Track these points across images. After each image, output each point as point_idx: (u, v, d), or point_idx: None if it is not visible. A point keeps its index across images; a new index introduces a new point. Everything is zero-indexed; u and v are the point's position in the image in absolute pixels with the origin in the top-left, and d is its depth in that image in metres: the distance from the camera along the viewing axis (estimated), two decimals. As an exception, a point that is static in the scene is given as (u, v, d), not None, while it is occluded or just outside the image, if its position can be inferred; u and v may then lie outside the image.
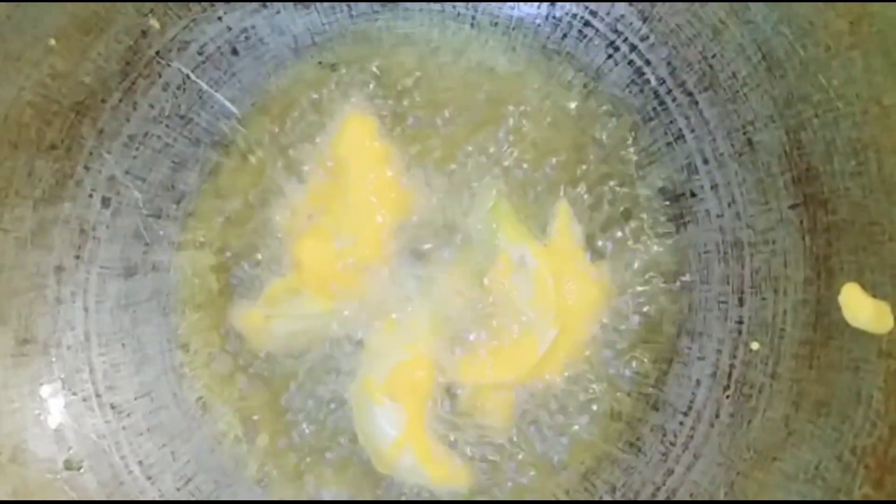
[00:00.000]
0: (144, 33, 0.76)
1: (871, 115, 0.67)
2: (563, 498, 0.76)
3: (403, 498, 0.75)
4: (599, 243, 0.78)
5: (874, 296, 0.67)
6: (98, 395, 0.75)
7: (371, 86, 0.80)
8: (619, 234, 0.78)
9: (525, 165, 0.79)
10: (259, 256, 0.78)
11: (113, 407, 0.76)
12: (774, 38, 0.71)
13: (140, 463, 0.75)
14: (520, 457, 0.76)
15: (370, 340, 0.76)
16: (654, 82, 0.78)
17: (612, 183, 0.79)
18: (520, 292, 0.75)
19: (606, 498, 0.75)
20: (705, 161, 0.76)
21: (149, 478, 0.75)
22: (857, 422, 0.66)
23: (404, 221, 0.77)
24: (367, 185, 0.77)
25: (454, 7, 0.81)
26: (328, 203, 0.78)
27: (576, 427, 0.76)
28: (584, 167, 0.79)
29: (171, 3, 0.77)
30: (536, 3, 0.80)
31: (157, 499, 0.75)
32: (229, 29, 0.79)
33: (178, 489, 0.75)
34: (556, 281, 0.75)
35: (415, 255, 0.77)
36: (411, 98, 0.80)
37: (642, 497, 0.75)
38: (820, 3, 0.68)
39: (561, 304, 0.75)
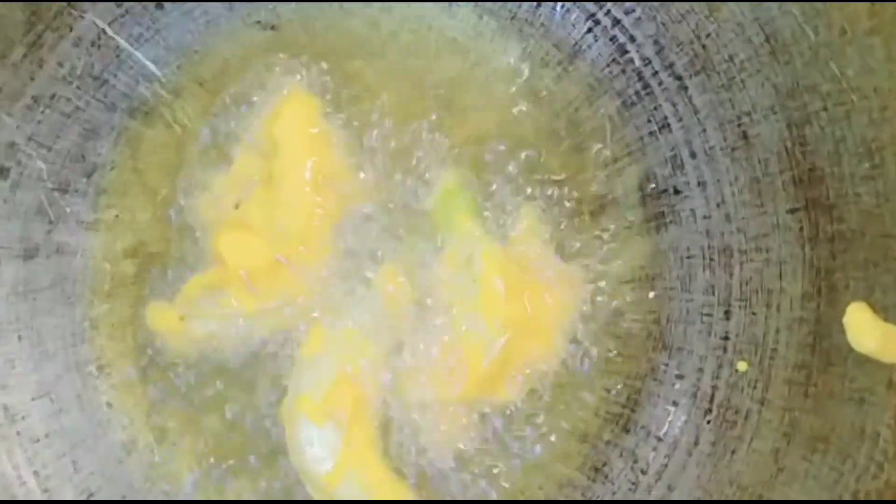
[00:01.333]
0: (54, -21, 0.74)
1: (891, 112, 0.63)
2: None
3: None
4: (568, 243, 0.75)
5: (885, 319, 0.64)
6: None
7: (316, 59, 0.77)
8: (591, 232, 0.75)
9: (487, 154, 0.75)
10: (174, 249, 0.76)
11: (6, 408, 0.73)
12: (781, 18, 0.67)
13: (36, 473, 0.72)
14: (469, 481, 0.73)
15: (303, 351, 0.73)
16: (638, 62, 0.75)
17: (585, 175, 0.76)
18: (463, 296, 0.72)
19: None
20: (693, 154, 0.74)
21: (45, 490, 0.73)
22: (859, 462, 0.63)
23: (345, 213, 0.75)
24: (305, 172, 0.74)
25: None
26: (258, 190, 0.74)
27: (534, 448, 0.73)
28: (555, 156, 0.76)
29: (85, -55, 0.74)
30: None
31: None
32: (154, -22, 0.77)
33: (78, 504, 0.73)
34: (512, 285, 0.72)
35: (354, 253, 0.74)
36: (360, 71, 0.78)
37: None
38: (837, -20, 0.66)
39: (517, 311, 0.72)
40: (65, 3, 0.73)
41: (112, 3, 0.74)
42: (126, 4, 0.74)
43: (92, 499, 0.72)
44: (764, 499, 0.67)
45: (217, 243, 0.73)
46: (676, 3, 0.72)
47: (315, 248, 0.73)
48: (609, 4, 0.75)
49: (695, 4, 0.71)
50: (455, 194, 0.74)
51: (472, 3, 0.77)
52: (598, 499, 0.74)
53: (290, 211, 0.73)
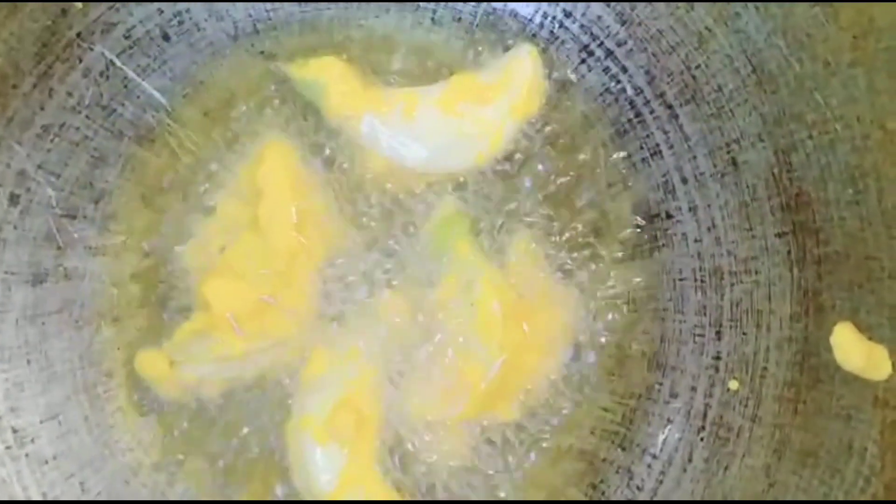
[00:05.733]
0: (64, 12, 0.73)
1: (872, 140, 0.65)
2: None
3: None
4: (563, 266, 0.75)
5: (870, 338, 0.65)
6: None
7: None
8: (585, 256, 0.76)
9: (481, 180, 0.76)
10: (170, 295, 0.76)
11: (15, 431, 0.72)
12: (767, 50, 0.69)
13: (44, 495, 0.72)
14: (469, 498, 0.73)
15: (306, 373, 0.73)
16: (630, 92, 0.76)
17: (579, 201, 0.76)
18: (462, 319, 0.72)
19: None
20: (684, 180, 0.74)
21: None
22: (847, 476, 0.64)
23: (334, 249, 0.75)
24: (289, 215, 0.73)
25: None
26: (243, 235, 0.74)
27: (532, 465, 0.74)
28: (550, 182, 0.76)
29: (94, -21, 0.74)
30: (503, 2, 0.78)
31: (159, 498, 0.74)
32: (161, 12, 0.76)
33: (87, 525, 0.72)
34: (510, 308, 0.72)
35: (347, 284, 0.74)
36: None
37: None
38: (820, 16, 0.66)
39: (514, 333, 0.72)
40: (75, 35, 0.73)
41: (120, 35, 0.74)
42: (134, 37, 0.75)
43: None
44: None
45: (203, 289, 0.73)
46: (667, 37, 0.73)
47: (302, 287, 0.73)
48: (602, 37, 0.75)
49: (685, 37, 0.72)
50: (454, 219, 0.74)
51: (469, 34, 0.78)
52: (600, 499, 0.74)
53: (275, 253, 0.73)
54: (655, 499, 0.73)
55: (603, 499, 0.73)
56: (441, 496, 0.72)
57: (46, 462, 0.72)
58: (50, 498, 0.71)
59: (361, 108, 0.74)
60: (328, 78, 0.74)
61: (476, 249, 0.74)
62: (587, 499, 0.74)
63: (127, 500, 0.73)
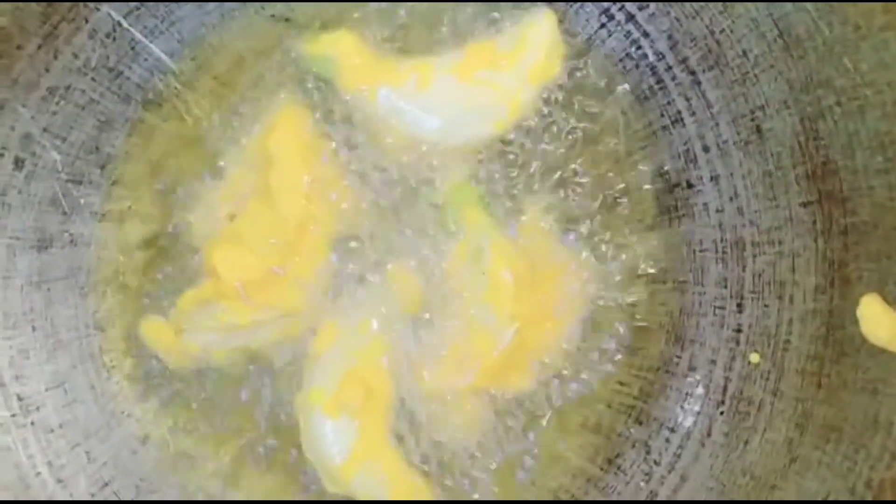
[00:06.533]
0: (70, -29, 0.73)
1: None
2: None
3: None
4: (580, 235, 0.75)
5: None
6: (3, 385, 0.71)
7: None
8: (603, 225, 0.75)
9: (494, 148, 0.75)
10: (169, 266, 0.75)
11: (20, 399, 0.72)
12: (794, 14, 0.67)
13: (49, 464, 0.72)
14: (482, 472, 0.72)
15: (314, 345, 0.73)
16: (651, 57, 0.75)
17: (598, 169, 0.75)
18: (472, 288, 0.72)
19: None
20: (706, 149, 0.74)
21: (59, 480, 0.71)
22: (873, 451, 0.63)
23: (345, 219, 0.74)
24: (300, 184, 0.73)
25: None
26: (252, 202, 0.74)
27: (546, 439, 0.73)
28: (566, 149, 0.76)
29: (101, -62, 0.73)
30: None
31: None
32: (170, -29, 0.77)
33: (93, 494, 0.72)
34: (521, 276, 0.71)
35: (356, 253, 0.74)
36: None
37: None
38: (851, -23, 0.65)
39: (526, 302, 0.71)
40: None
41: (128, -5, 0.74)
42: (141, -4, 0.75)
43: (106, 489, 0.72)
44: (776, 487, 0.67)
45: (211, 257, 0.73)
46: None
47: (312, 258, 0.73)
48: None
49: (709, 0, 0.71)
50: (464, 188, 0.74)
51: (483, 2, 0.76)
52: (600, 498, 0.74)
53: (285, 222, 0.72)
54: (662, 498, 0.72)
55: (618, 474, 0.73)
56: (451, 471, 0.72)
57: (52, 431, 0.72)
58: (55, 466, 0.71)
59: (375, 80, 0.73)
60: (340, 52, 0.74)
61: (486, 218, 0.73)
62: (603, 473, 0.73)
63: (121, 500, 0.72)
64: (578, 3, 0.76)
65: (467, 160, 0.74)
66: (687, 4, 0.72)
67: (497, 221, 0.74)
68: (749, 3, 0.69)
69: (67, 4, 0.72)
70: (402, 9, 0.76)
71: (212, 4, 0.76)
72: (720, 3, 0.70)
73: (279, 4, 0.76)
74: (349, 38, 0.74)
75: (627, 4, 0.75)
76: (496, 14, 0.75)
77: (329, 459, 0.70)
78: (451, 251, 0.73)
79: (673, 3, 0.73)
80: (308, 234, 0.72)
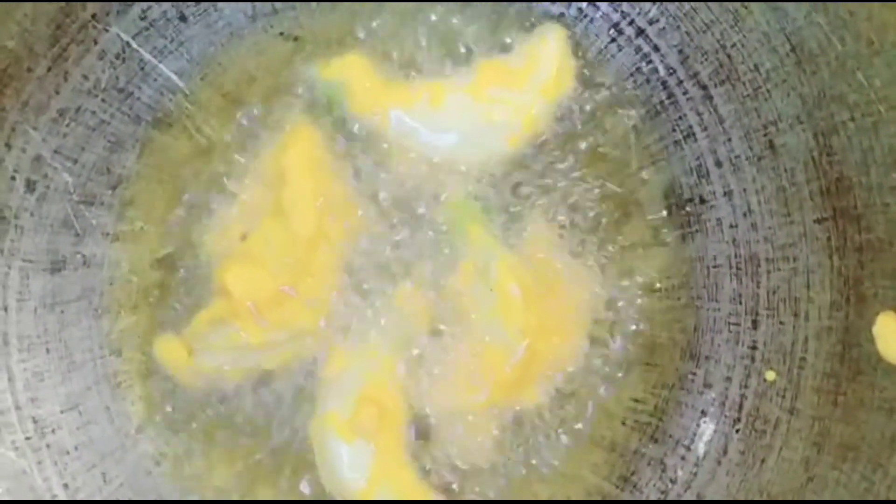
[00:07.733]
0: (79, -7, 0.73)
1: None
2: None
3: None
4: (591, 250, 0.75)
5: None
6: (18, 408, 0.71)
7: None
8: (615, 240, 0.75)
9: (509, 162, 0.75)
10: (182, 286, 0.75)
11: (35, 421, 0.72)
12: (807, 29, 0.67)
13: (66, 486, 0.72)
14: (497, 490, 0.72)
15: (326, 369, 0.73)
16: (662, 72, 0.75)
17: (609, 183, 0.75)
18: (481, 305, 0.72)
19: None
20: (718, 164, 0.73)
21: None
22: (891, 471, 0.63)
23: (353, 239, 0.74)
24: (312, 203, 0.73)
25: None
26: (265, 222, 0.74)
27: (561, 456, 0.73)
28: (578, 163, 0.75)
29: (108, -40, 0.73)
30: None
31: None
32: (177, -8, 0.77)
33: (108, 515, 0.72)
34: (529, 290, 0.71)
35: (368, 273, 0.74)
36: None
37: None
38: (864, -8, 0.65)
39: (535, 316, 0.71)
40: (89, 17, 0.72)
41: (136, 17, 0.74)
42: (150, 18, 0.74)
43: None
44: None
45: (223, 276, 0.72)
46: (701, 14, 0.72)
47: (323, 278, 0.73)
48: (633, 14, 0.74)
49: (719, 14, 0.70)
50: (466, 205, 0.74)
51: (495, 14, 0.76)
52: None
53: (297, 241, 0.72)
54: (689, 492, 0.72)
55: (633, 492, 0.73)
56: (468, 490, 0.72)
57: (68, 452, 0.72)
58: (71, 488, 0.71)
59: (386, 103, 0.74)
60: (350, 77, 0.74)
61: (490, 233, 0.73)
62: (618, 490, 0.73)
63: (129, 500, 0.72)
64: (588, 18, 0.76)
65: (477, 177, 0.74)
66: (697, 19, 0.72)
67: (504, 237, 0.74)
68: (760, 18, 0.68)
69: (76, 26, 0.72)
70: (413, 29, 0.76)
71: (221, 23, 0.76)
72: (731, 18, 0.70)
73: (287, 23, 0.76)
74: (359, 62, 0.74)
75: (637, 19, 0.75)
76: (506, 30, 0.75)
77: (347, 485, 0.70)
78: (459, 269, 0.73)
79: (683, 18, 0.72)
80: (320, 253, 0.72)
